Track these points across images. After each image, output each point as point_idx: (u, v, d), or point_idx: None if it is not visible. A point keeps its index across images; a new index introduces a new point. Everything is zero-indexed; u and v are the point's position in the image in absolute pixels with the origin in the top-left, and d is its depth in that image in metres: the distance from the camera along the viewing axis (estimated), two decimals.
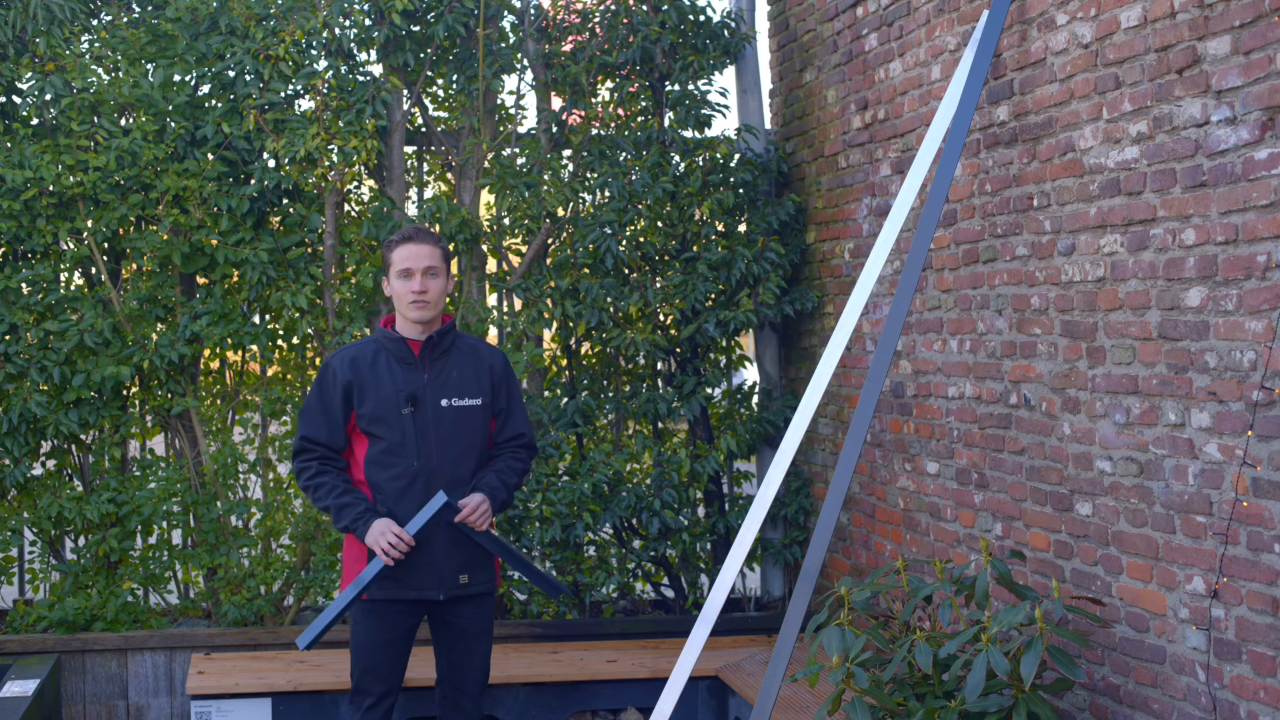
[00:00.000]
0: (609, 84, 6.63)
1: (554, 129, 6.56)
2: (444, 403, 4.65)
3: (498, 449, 4.80)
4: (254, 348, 6.43)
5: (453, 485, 4.62)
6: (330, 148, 6.24)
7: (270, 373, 6.66)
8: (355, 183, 6.56)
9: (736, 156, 6.50)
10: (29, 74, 6.25)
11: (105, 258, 6.42)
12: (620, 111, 6.61)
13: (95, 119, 6.27)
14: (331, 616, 4.56)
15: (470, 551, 4.68)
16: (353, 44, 6.41)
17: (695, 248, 6.46)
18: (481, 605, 4.76)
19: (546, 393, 6.61)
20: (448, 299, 4.82)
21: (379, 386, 4.62)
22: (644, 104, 6.65)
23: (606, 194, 6.40)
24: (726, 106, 6.59)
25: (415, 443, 4.60)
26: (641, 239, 6.44)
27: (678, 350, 6.52)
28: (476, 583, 4.71)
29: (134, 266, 6.40)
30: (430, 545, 4.59)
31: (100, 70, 6.33)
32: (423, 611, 4.73)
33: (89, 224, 6.26)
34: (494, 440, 4.80)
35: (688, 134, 6.50)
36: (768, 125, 6.88)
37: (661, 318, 6.47)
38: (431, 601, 4.68)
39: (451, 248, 6.51)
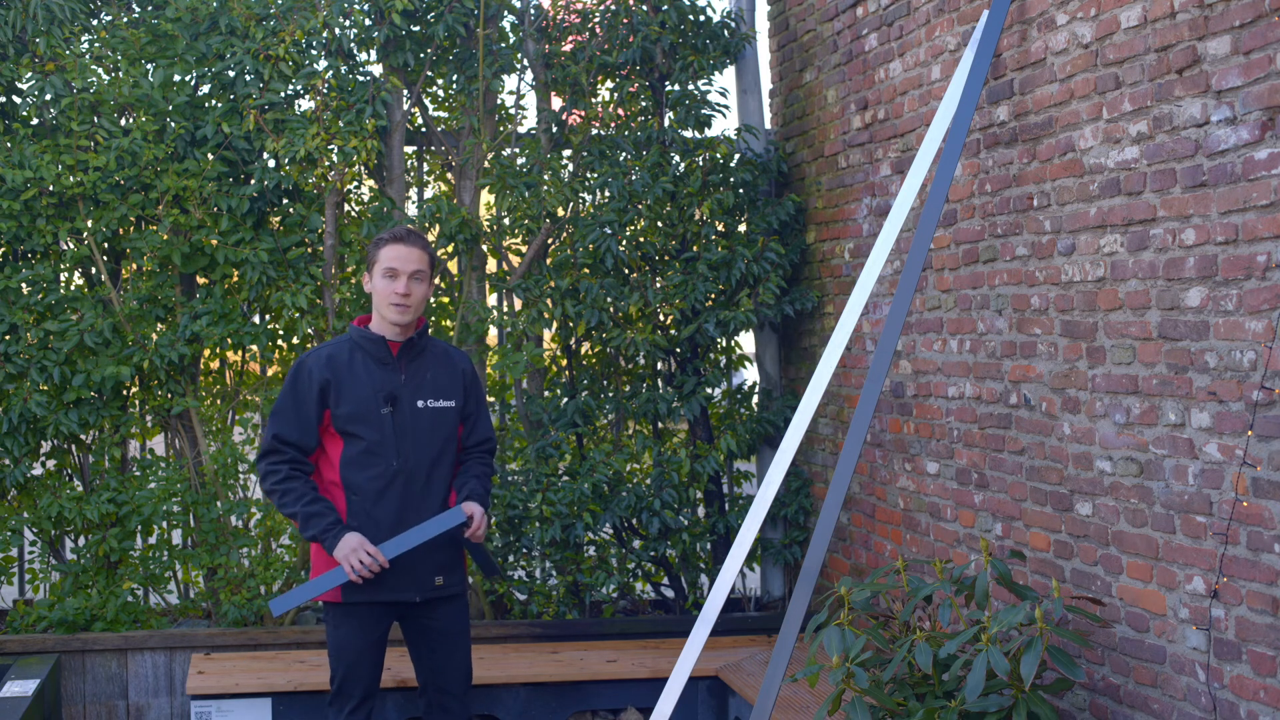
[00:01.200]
0: (609, 84, 6.63)
1: (554, 129, 6.56)
2: (420, 404, 4.63)
3: (466, 453, 4.79)
4: (254, 348, 6.43)
5: (429, 486, 4.61)
6: (330, 148, 6.24)
7: (270, 373, 6.66)
8: (355, 183, 6.56)
9: (736, 156, 6.50)
10: (29, 74, 6.25)
11: (105, 258, 6.42)
12: (620, 111, 6.61)
13: (95, 119, 6.27)
14: (309, 595, 4.55)
15: (446, 554, 4.67)
16: (353, 44, 6.40)
17: (695, 248, 6.45)
18: (458, 605, 4.75)
19: (546, 393, 6.61)
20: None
21: (357, 386, 4.57)
22: (644, 104, 6.65)
23: (606, 194, 6.40)
24: (726, 106, 6.59)
25: (395, 443, 4.57)
26: (641, 239, 6.44)
27: (678, 350, 6.52)
28: (451, 584, 4.70)
29: (134, 266, 6.40)
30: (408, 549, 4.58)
31: (100, 70, 6.32)
32: (397, 614, 4.69)
33: (89, 224, 6.26)
34: (463, 444, 4.78)
35: (688, 134, 6.50)
36: (768, 125, 6.88)
37: (661, 318, 6.47)
38: (408, 604, 4.65)
39: (451, 248, 6.52)
